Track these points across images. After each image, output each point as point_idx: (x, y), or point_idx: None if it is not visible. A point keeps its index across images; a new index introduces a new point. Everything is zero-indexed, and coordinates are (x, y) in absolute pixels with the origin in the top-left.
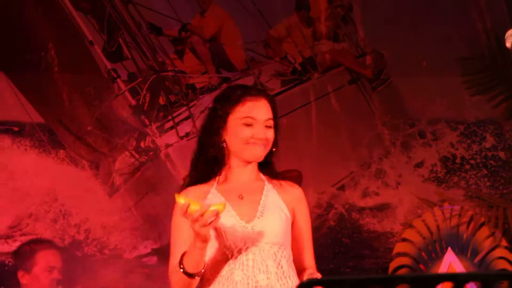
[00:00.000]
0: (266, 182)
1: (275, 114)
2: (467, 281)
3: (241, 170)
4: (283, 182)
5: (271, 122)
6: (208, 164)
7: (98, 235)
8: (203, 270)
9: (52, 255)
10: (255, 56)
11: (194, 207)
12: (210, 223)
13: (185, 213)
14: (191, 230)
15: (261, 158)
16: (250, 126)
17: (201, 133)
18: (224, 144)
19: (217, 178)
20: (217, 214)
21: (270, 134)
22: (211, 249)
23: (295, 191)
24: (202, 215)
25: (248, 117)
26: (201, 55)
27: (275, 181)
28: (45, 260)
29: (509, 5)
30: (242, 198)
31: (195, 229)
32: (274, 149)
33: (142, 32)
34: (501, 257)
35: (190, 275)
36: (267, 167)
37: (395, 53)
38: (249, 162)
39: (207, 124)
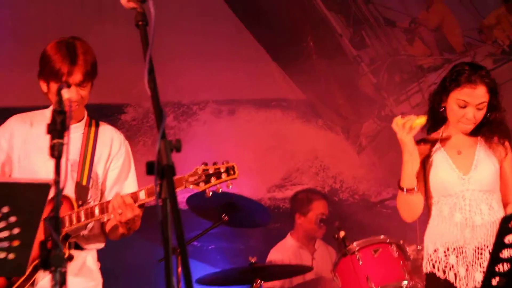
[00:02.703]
0: (479, 138)
1: (493, 94)
2: None
3: (457, 130)
4: (493, 137)
5: (483, 105)
6: (435, 116)
7: (350, 184)
8: (417, 190)
9: (324, 205)
10: (471, 41)
11: (400, 120)
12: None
13: (395, 124)
14: None
15: (469, 131)
16: (463, 108)
17: (434, 90)
18: (443, 109)
19: (441, 129)
20: (411, 127)
21: (480, 114)
22: (440, 197)
23: (502, 147)
24: (404, 124)
25: (463, 100)
26: (427, 41)
27: (486, 137)
28: (319, 208)
29: None
30: (460, 153)
31: (399, 137)
32: (489, 115)
33: (380, 25)
34: None
35: (407, 191)
36: (484, 126)
37: None
38: None
39: (438, 86)
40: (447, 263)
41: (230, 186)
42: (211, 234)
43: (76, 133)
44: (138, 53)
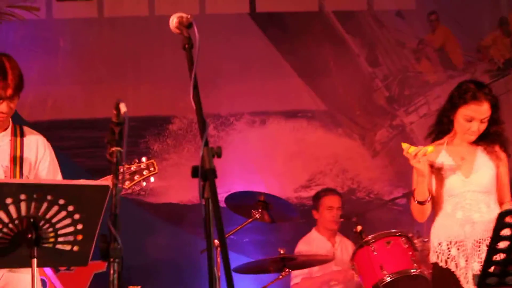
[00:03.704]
0: (480, 147)
1: (495, 109)
2: None
3: (461, 140)
4: (494, 146)
5: (486, 119)
6: (442, 124)
7: (365, 184)
8: (429, 200)
9: (332, 199)
10: (470, 59)
11: (412, 150)
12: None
13: (407, 153)
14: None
15: (473, 141)
16: (470, 122)
17: (445, 102)
18: (452, 118)
19: (446, 138)
20: (425, 154)
21: (483, 126)
22: (446, 197)
23: (499, 155)
24: (416, 154)
25: (469, 115)
26: (432, 60)
27: (487, 145)
28: (326, 202)
29: None
30: (463, 159)
31: (413, 164)
32: (494, 129)
33: (392, 46)
34: None
35: (420, 203)
36: (484, 136)
37: None
38: None
39: (448, 99)
40: (449, 254)
41: (152, 179)
42: (246, 228)
43: (3, 141)
44: (184, 71)
